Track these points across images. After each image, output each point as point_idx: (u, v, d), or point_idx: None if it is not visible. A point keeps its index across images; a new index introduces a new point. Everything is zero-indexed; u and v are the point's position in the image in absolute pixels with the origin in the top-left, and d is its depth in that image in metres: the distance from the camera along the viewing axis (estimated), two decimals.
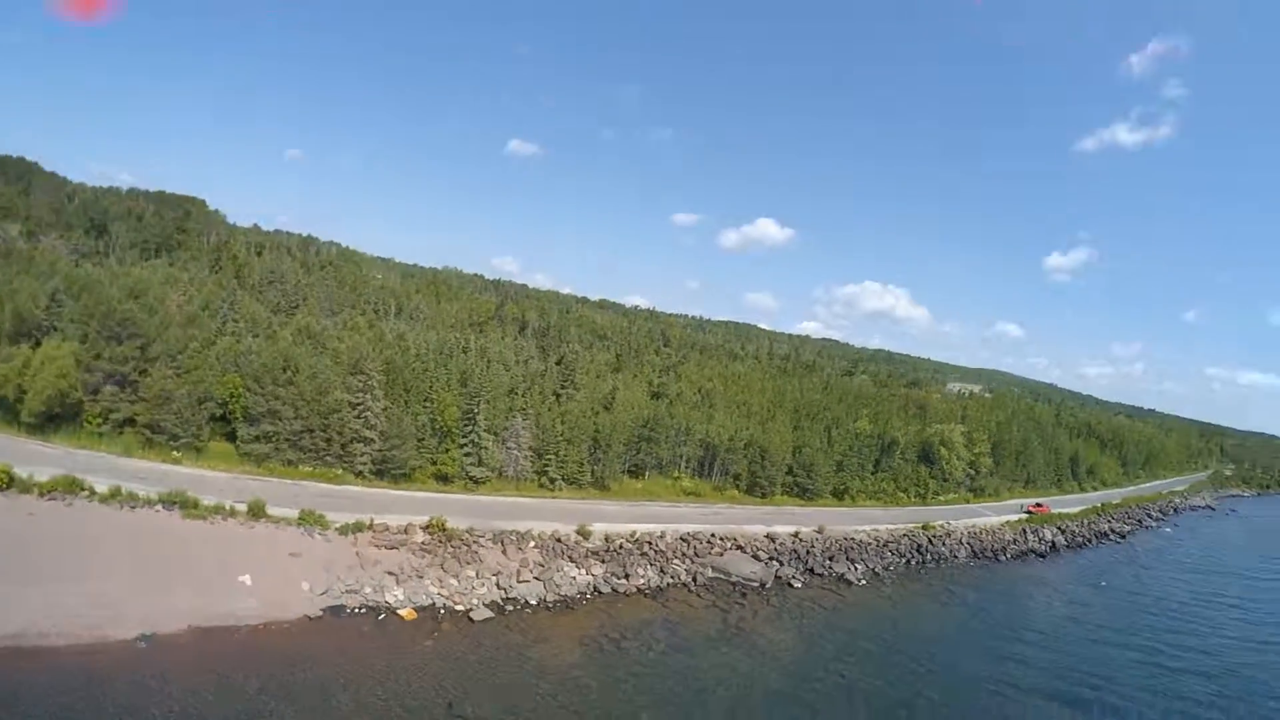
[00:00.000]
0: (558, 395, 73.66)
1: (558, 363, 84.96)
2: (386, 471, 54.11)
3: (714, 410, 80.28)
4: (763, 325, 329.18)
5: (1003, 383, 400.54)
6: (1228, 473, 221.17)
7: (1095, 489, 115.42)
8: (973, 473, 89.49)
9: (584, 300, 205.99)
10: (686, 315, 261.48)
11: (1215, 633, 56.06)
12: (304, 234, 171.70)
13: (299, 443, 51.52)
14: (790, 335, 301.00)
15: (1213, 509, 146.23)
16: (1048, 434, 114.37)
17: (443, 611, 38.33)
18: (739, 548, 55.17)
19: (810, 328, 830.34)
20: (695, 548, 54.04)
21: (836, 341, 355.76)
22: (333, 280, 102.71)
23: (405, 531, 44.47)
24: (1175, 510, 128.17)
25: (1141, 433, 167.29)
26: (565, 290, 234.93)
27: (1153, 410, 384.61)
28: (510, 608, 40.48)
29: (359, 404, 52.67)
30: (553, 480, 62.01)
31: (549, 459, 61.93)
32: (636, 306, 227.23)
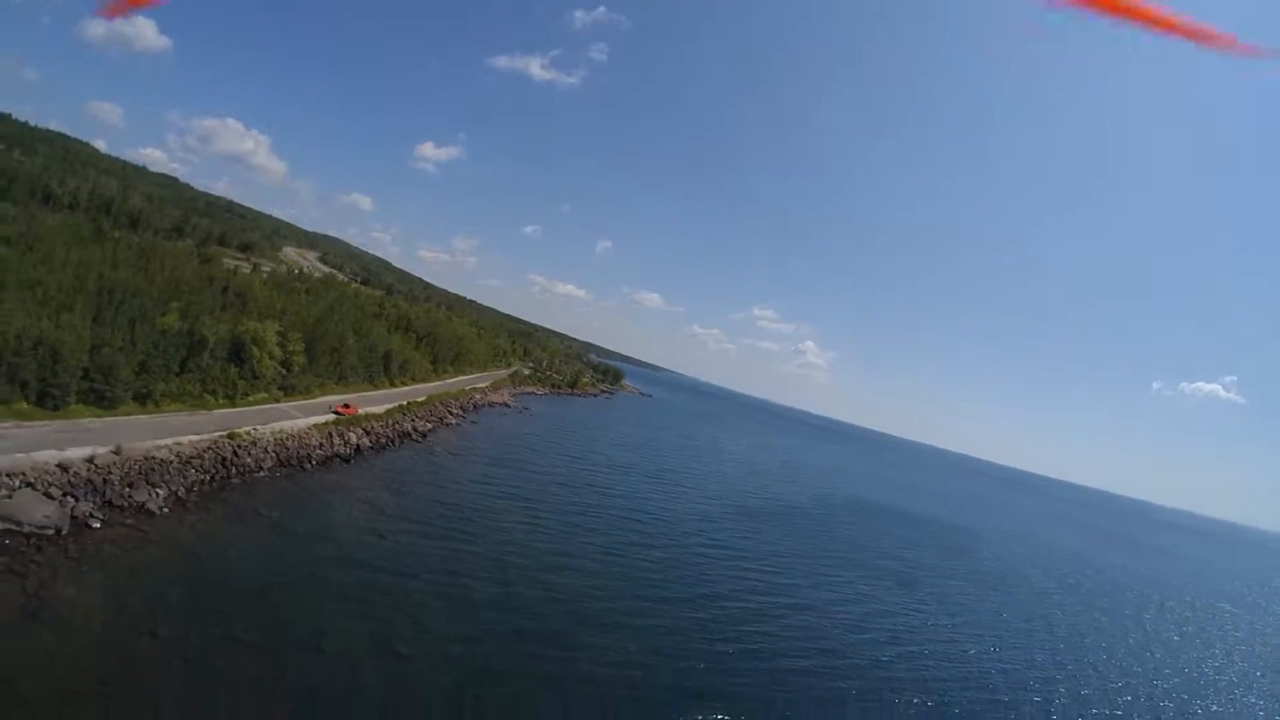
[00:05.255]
0: None
1: None
2: None
3: (2, 291, 55.27)
4: (100, 145, 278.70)
5: (340, 253, 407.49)
6: (526, 371, 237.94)
7: (405, 384, 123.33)
8: (284, 371, 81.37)
9: None
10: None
11: (499, 519, 65.13)
12: None
13: None
14: (125, 164, 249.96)
15: (509, 406, 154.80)
16: (367, 327, 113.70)
17: None
18: (29, 484, 42.98)
19: (154, 156, 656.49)
20: None
21: (177, 180, 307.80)
22: None
23: None
24: (475, 407, 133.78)
25: (455, 330, 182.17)
26: None
27: (474, 300, 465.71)
28: None
29: None
30: None
31: None
32: None
